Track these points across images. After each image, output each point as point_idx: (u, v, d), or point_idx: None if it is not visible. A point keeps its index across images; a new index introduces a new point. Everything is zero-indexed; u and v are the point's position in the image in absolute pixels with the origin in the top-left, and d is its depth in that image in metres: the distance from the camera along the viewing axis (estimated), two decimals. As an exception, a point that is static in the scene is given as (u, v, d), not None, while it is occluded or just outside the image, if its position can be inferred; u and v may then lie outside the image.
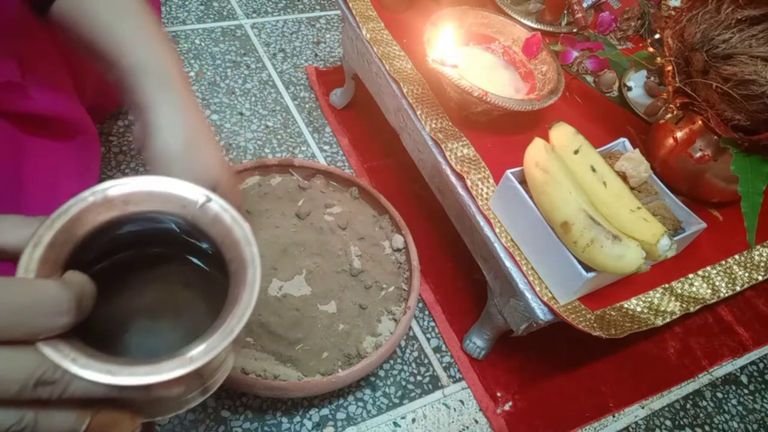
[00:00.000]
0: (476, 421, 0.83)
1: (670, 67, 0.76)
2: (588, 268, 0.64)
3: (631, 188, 0.73)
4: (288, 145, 1.11)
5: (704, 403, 0.94)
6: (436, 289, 0.95)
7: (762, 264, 0.82)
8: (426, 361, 0.88)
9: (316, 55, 1.31)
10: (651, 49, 0.88)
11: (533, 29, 0.92)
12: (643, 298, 0.73)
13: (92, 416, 0.28)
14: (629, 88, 1.00)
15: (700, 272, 0.78)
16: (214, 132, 1.07)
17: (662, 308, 0.73)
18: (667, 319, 0.73)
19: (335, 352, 0.75)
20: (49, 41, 0.73)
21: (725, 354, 0.99)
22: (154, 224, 0.35)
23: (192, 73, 1.18)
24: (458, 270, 0.98)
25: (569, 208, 0.63)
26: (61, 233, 0.31)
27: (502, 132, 0.84)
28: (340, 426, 0.79)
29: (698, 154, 0.79)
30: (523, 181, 0.70)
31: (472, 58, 0.88)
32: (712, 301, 0.77)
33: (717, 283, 0.78)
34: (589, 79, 0.99)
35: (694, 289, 0.77)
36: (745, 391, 0.97)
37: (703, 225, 0.72)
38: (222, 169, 0.53)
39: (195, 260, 0.38)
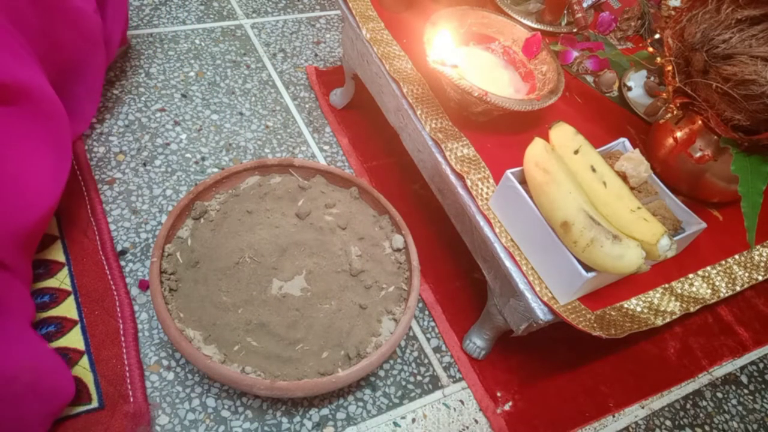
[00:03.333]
0: (476, 421, 0.83)
1: (670, 67, 0.76)
2: (588, 268, 0.64)
3: (631, 188, 0.73)
4: (288, 145, 1.11)
5: (704, 403, 0.94)
6: (436, 289, 0.95)
7: (762, 264, 0.82)
8: (426, 361, 0.88)
9: (316, 55, 1.31)
10: (651, 49, 0.88)
11: (533, 29, 0.92)
12: (643, 298, 0.73)
13: None
14: (629, 88, 1.00)
15: (700, 272, 0.78)
16: (214, 132, 1.07)
17: (662, 308, 0.73)
18: (667, 319, 0.73)
19: (335, 352, 0.75)
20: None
21: (725, 354, 0.99)
22: None
23: (192, 73, 1.18)
24: (458, 270, 0.98)
25: (569, 208, 0.63)
26: None
27: (502, 132, 0.84)
28: (340, 426, 0.79)
29: (698, 154, 0.79)
30: (523, 181, 0.70)
31: (472, 58, 0.88)
32: (712, 301, 0.77)
33: (717, 283, 0.78)
34: (589, 79, 0.99)
35: (694, 289, 0.77)
36: (745, 391, 0.97)
37: (703, 225, 0.72)
38: None
39: None
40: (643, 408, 0.90)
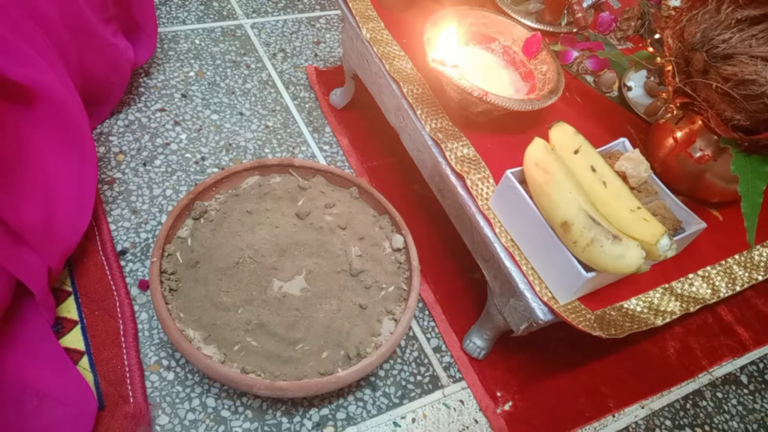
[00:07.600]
0: (476, 421, 0.83)
1: (670, 67, 0.76)
2: (588, 268, 0.64)
3: (631, 188, 0.73)
4: (288, 145, 1.11)
5: (704, 403, 0.94)
6: (436, 289, 0.95)
7: (762, 264, 0.82)
8: (426, 361, 0.88)
9: (316, 55, 1.31)
10: (651, 49, 0.88)
11: (533, 29, 0.92)
12: (643, 298, 0.73)
13: None
14: (629, 88, 1.00)
15: (700, 272, 0.78)
16: (214, 132, 1.08)
17: (662, 308, 0.73)
18: (667, 319, 0.73)
19: (335, 352, 0.75)
20: (29, 19, 0.75)
21: (725, 354, 0.99)
22: None
23: (192, 73, 1.18)
24: (458, 270, 0.98)
25: (569, 208, 0.63)
26: None
27: (502, 132, 0.84)
28: (340, 426, 0.79)
29: (698, 154, 0.79)
30: (523, 181, 0.70)
31: (472, 58, 0.88)
32: (712, 301, 0.77)
33: (717, 283, 0.78)
34: (589, 79, 0.99)
35: (694, 289, 0.77)
36: (745, 391, 0.97)
37: (703, 225, 0.72)
38: None
39: None
40: (643, 408, 0.90)
